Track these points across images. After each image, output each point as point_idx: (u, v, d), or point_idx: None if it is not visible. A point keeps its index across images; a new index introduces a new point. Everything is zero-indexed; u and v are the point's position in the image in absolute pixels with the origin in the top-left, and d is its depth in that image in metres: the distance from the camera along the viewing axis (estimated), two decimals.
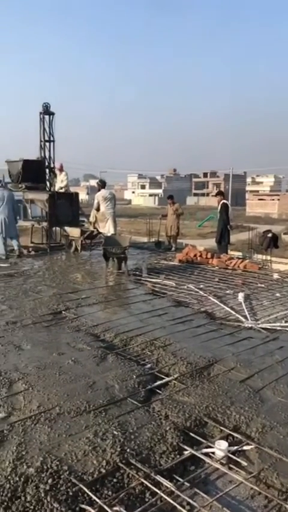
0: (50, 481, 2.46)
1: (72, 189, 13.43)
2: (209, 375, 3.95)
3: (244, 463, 2.72)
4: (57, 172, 12.33)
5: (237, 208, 47.95)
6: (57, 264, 9.94)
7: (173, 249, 11.94)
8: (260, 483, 2.53)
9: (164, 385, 3.75)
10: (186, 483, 2.52)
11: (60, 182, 12.23)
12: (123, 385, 3.65)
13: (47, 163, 12.28)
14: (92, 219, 10.54)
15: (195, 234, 25.50)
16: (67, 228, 11.29)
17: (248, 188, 76.70)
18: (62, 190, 12.02)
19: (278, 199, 50.77)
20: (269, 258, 10.11)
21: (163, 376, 3.91)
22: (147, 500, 2.39)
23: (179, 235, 12.87)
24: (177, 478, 2.57)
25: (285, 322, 5.59)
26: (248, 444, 2.89)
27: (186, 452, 2.79)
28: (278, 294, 7.13)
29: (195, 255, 10.13)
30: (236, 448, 2.86)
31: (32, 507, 2.28)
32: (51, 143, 12.20)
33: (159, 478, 2.52)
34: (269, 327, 5.40)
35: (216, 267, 9.48)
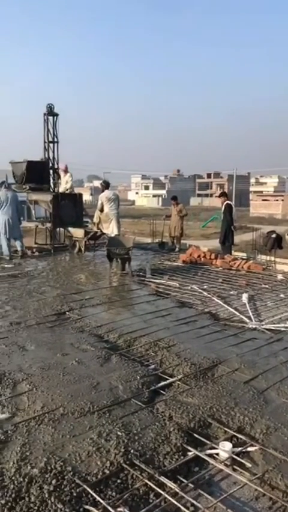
0: (54, 481, 2.46)
1: (75, 190, 13.45)
2: (213, 376, 3.94)
3: (248, 464, 2.71)
4: (61, 173, 12.36)
5: (241, 209, 47.92)
6: (61, 264, 9.95)
7: (177, 249, 11.93)
8: (264, 484, 2.53)
9: (168, 386, 3.74)
10: (190, 484, 2.52)
11: (65, 184, 12.27)
12: (127, 386, 3.65)
13: (50, 164, 12.30)
14: (95, 219, 10.57)
15: (199, 234, 25.50)
16: (71, 229, 11.30)
17: (251, 189, 76.64)
18: (67, 191, 12.07)
19: (282, 200, 50.69)
20: (273, 258, 10.09)
21: (167, 377, 3.90)
22: (151, 501, 2.38)
23: (183, 236, 12.88)
24: (181, 479, 2.57)
25: None
26: (252, 445, 2.88)
27: (190, 453, 2.78)
28: (282, 295, 7.11)
29: (199, 256, 10.12)
30: (240, 449, 2.85)
31: (36, 508, 2.28)
32: (55, 144, 12.22)
33: (163, 479, 2.52)
34: (273, 328, 5.39)
35: (220, 268, 9.46)
